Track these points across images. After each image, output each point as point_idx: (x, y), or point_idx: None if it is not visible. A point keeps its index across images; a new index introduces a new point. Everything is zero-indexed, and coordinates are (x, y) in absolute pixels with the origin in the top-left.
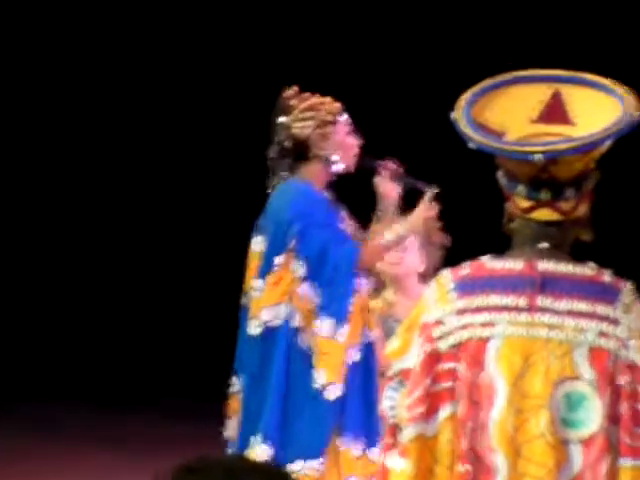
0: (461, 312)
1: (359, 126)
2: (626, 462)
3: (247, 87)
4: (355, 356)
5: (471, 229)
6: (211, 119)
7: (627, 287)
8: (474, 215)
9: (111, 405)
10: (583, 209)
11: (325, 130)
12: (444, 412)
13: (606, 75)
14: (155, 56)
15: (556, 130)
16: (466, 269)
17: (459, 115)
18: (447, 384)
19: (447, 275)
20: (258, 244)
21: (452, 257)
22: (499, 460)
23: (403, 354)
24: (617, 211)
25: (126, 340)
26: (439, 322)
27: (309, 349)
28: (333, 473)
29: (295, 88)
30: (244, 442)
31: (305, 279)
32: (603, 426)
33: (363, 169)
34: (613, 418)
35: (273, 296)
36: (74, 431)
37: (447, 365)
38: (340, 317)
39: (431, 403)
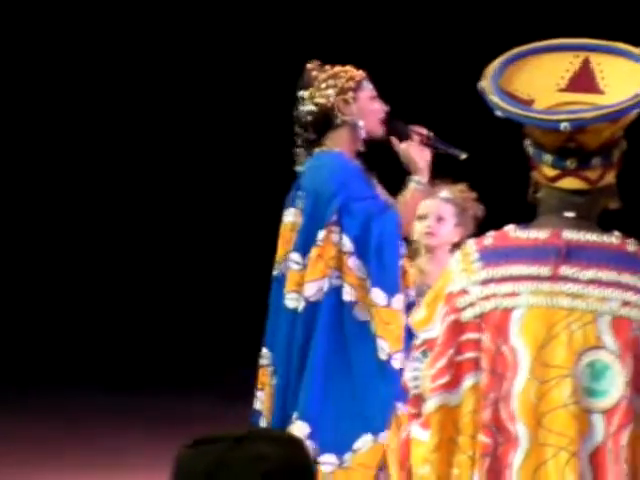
0: (485, 282)
1: (386, 95)
2: None
3: (266, 63)
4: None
5: (502, 198)
6: (223, 102)
7: None
8: (503, 184)
9: (124, 388)
10: (610, 178)
11: (347, 96)
12: (467, 382)
13: (636, 44)
14: (158, 47)
15: (585, 99)
16: (490, 239)
17: (487, 84)
18: (471, 354)
19: (471, 245)
20: (291, 216)
21: (485, 227)
22: (520, 430)
23: (428, 324)
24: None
25: (141, 325)
26: (463, 292)
27: (367, 321)
28: (394, 440)
29: (317, 61)
30: (280, 416)
31: (353, 253)
32: (626, 395)
33: (394, 134)
34: (637, 387)
35: (316, 270)
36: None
37: (471, 335)
38: (392, 286)
39: (455, 373)
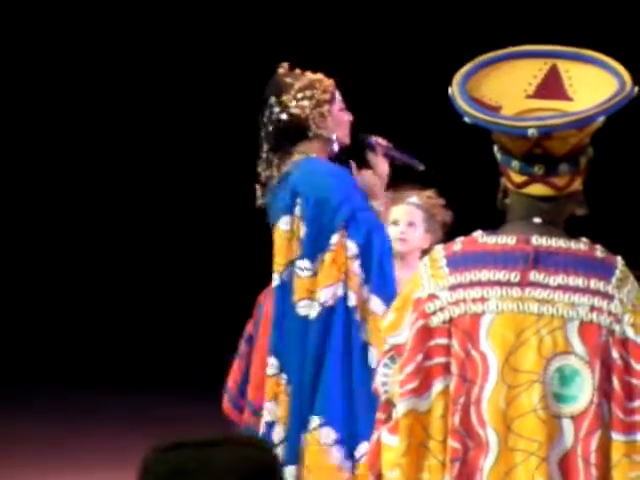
0: (453, 288)
1: (350, 101)
2: (618, 437)
3: (242, 67)
4: None
5: (471, 204)
6: (219, 103)
7: (620, 262)
8: (472, 190)
9: (135, 388)
10: (577, 185)
11: (323, 109)
12: (437, 387)
13: (601, 52)
14: (157, 47)
15: (553, 105)
16: (458, 245)
17: (455, 90)
18: (440, 359)
19: (439, 251)
20: (286, 224)
21: (454, 234)
22: (490, 435)
23: (396, 329)
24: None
25: (144, 327)
26: (432, 297)
27: (365, 327)
28: None
29: (286, 65)
30: (298, 424)
31: (357, 257)
32: (594, 401)
33: (358, 144)
34: (605, 393)
35: (331, 275)
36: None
37: (440, 341)
38: (390, 298)
39: (424, 379)
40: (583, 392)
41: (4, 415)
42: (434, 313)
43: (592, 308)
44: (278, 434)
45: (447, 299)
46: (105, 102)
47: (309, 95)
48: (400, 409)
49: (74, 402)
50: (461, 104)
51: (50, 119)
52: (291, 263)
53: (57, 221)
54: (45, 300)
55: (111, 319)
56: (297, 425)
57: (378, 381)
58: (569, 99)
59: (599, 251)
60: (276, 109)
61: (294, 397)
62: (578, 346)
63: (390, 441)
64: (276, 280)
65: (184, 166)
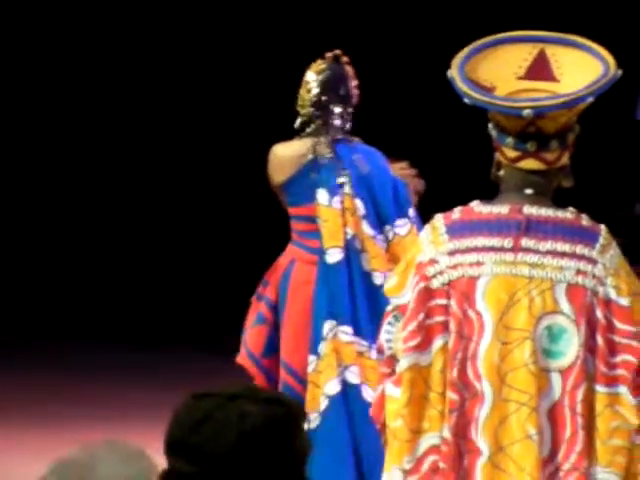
0: (452, 253)
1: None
2: (602, 389)
3: (265, 62)
4: None
5: (468, 177)
6: (225, 86)
7: (604, 230)
8: (468, 164)
9: (141, 343)
10: (565, 159)
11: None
12: (437, 344)
13: (587, 37)
14: (158, 47)
15: (542, 87)
16: (457, 214)
17: (455, 73)
18: (440, 318)
19: (439, 219)
20: (338, 203)
21: (453, 204)
22: (485, 387)
23: (400, 291)
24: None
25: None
26: (432, 262)
27: None
28: None
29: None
30: None
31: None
32: (580, 356)
33: None
34: (590, 349)
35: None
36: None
37: (439, 301)
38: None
39: (425, 335)
40: (570, 348)
41: (38, 370)
42: (434, 276)
43: (578, 272)
44: (370, 395)
45: (446, 263)
46: (116, 90)
47: (356, 85)
48: (403, 363)
49: (73, 355)
50: (461, 86)
51: (65, 107)
52: (353, 237)
53: (67, 190)
54: (59, 257)
55: (126, 276)
56: None
57: (382, 338)
58: (556, 80)
59: (584, 220)
60: (341, 95)
61: None
62: (565, 306)
63: (394, 393)
64: (338, 256)
65: (200, 139)
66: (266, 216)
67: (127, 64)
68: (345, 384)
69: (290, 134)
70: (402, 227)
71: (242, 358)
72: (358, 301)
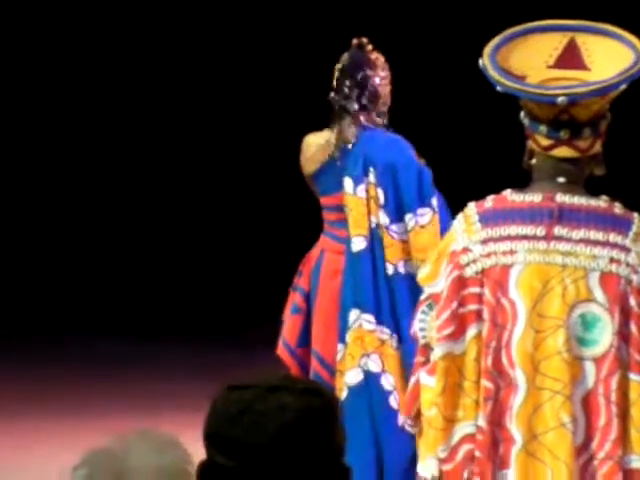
0: (485, 241)
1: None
2: (636, 377)
3: (266, 62)
4: None
5: (500, 165)
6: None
7: (637, 218)
8: (500, 153)
9: (147, 337)
10: (598, 147)
11: (389, 91)
12: (471, 332)
13: (618, 25)
14: (158, 47)
15: (572, 75)
16: (489, 202)
17: (487, 62)
18: (473, 307)
19: (472, 208)
20: (363, 191)
21: (484, 192)
22: (519, 376)
23: (433, 280)
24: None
25: (161, 274)
26: (466, 250)
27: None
28: None
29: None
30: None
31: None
32: (614, 345)
33: None
34: (624, 337)
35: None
36: (114, 362)
37: (473, 290)
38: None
39: (459, 324)
40: (604, 336)
41: (39, 363)
42: (468, 265)
43: (611, 260)
44: (390, 383)
45: (479, 252)
46: (126, 84)
47: (388, 75)
48: (437, 352)
49: (74, 348)
50: (493, 74)
51: (75, 102)
52: (377, 226)
53: (77, 173)
54: (69, 249)
55: (137, 267)
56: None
57: (416, 327)
58: (587, 69)
59: (617, 208)
60: (362, 80)
61: (407, 343)
62: (599, 294)
63: (428, 382)
64: (362, 244)
65: (215, 126)
66: (292, 209)
67: (130, 63)
68: (366, 373)
69: (322, 124)
70: (424, 216)
71: (280, 350)
72: (381, 290)
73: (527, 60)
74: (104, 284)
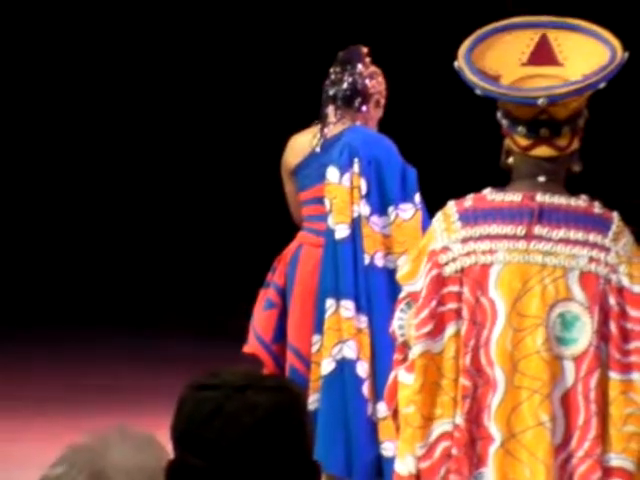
0: (465, 240)
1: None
2: (615, 376)
3: (265, 62)
4: None
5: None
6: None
7: (617, 218)
8: (476, 153)
9: (144, 327)
10: (576, 144)
11: (380, 100)
12: (449, 331)
13: (592, 21)
14: (158, 47)
15: (545, 71)
16: (469, 201)
17: (462, 64)
18: (452, 305)
19: (452, 207)
20: (348, 181)
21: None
22: (498, 374)
23: (412, 278)
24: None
25: (156, 268)
26: (445, 249)
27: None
28: None
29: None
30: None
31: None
32: (593, 343)
33: None
34: (603, 336)
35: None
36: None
37: (452, 288)
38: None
39: (437, 323)
40: (583, 335)
41: (70, 357)
42: (447, 263)
43: (591, 259)
44: (365, 370)
45: (459, 251)
46: (126, 83)
47: (381, 82)
48: (416, 350)
49: (73, 341)
50: (471, 78)
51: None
52: (359, 216)
53: (77, 166)
54: (70, 242)
55: (129, 259)
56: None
57: (395, 325)
58: (560, 65)
59: (597, 207)
60: (352, 76)
61: (378, 336)
62: (578, 294)
63: (406, 379)
64: (344, 232)
65: (207, 119)
66: (269, 209)
67: (130, 63)
68: (341, 360)
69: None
70: (406, 211)
71: (251, 346)
72: (359, 278)
73: (500, 59)
74: (101, 277)
